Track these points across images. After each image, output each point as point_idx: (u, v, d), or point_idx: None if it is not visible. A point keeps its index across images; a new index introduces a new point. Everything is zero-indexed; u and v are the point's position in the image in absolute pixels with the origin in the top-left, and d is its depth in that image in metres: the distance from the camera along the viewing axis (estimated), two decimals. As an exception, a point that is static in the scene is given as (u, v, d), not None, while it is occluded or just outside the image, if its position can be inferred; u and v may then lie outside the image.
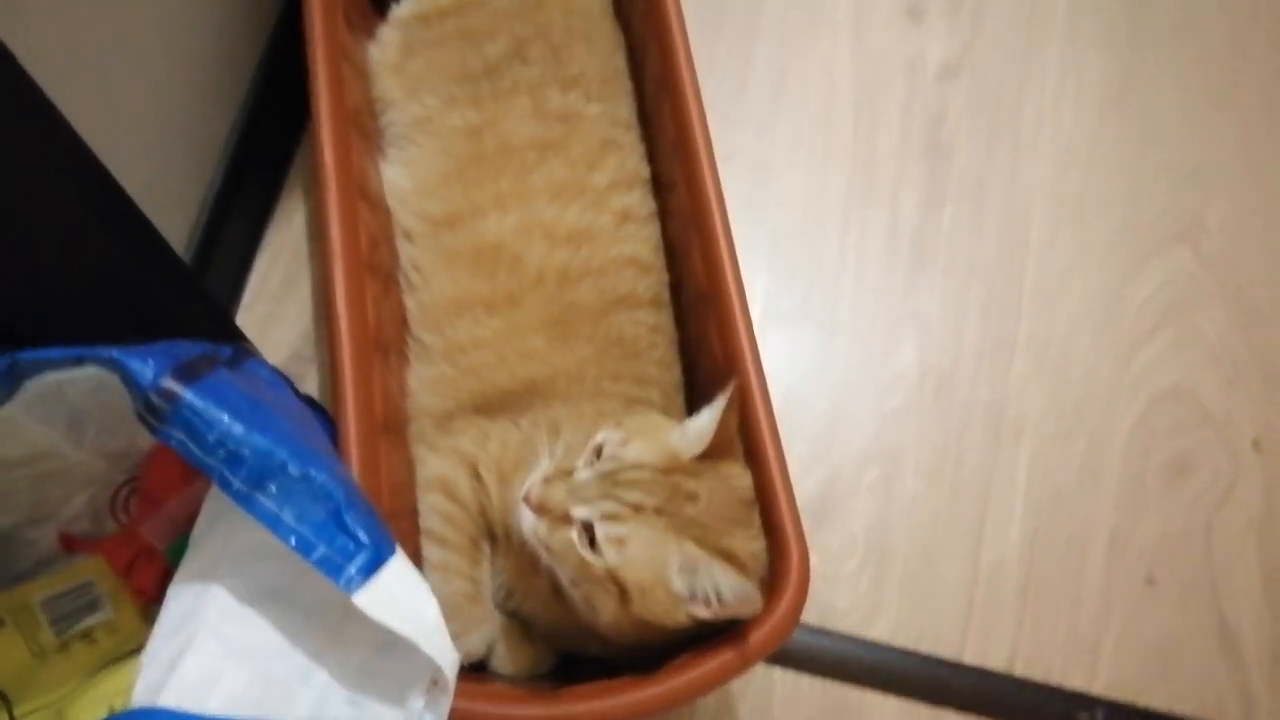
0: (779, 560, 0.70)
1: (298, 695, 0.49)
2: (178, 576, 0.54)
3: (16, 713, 0.57)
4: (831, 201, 1.10)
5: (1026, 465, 1.00)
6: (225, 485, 0.47)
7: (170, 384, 0.47)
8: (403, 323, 0.88)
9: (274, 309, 1.02)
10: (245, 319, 1.01)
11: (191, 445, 0.47)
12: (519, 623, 0.78)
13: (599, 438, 0.69)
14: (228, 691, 0.48)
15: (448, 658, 0.49)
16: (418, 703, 0.49)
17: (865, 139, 1.12)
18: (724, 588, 0.62)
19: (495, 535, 0.79)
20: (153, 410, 0.47)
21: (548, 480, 0.68)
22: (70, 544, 0.69)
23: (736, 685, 0.90)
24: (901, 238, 1.08)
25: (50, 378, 0.50)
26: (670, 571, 0.64)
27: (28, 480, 0.65)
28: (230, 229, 0.99)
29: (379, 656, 0.51)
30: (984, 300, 1.05)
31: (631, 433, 0.69)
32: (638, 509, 0.64)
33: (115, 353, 0.48)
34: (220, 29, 0.94)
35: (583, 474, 0.67)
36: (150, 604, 0.65)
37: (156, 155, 0.87)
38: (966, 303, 1.05)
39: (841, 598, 0.94)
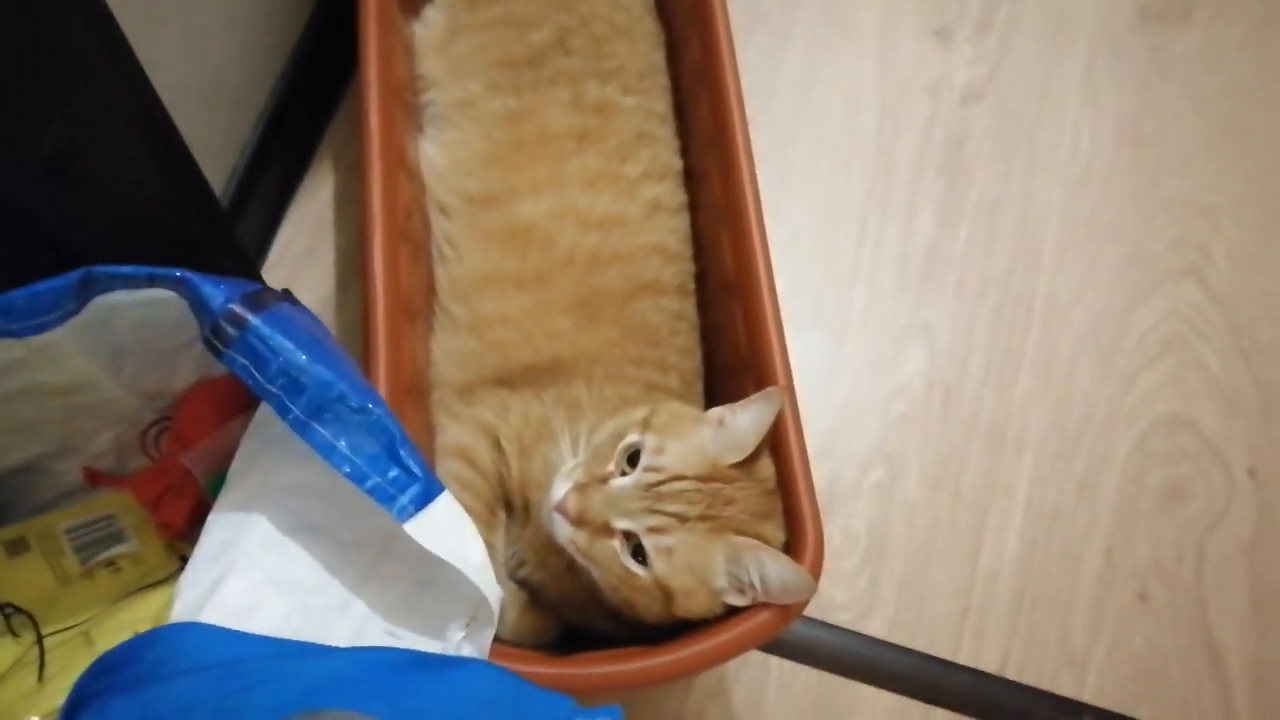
0: (795, 543, 0.71)
1: (336, 625, 0.50)
2: (217, 507, 0.55)
3: (44, 632, 0.58)
4: (850, 209, 1.12)
5: (1027, 478, 1.02)
6: (284, 412, 0.49)
7: (240, 309, 0.48)
8: (430, 292, 0.89)
9: (295, 273, 1.03)
10: (267, 279, 1.02)
11: (255, 371, 0.49)
12: (527, 591, 0.79)
13: (630, 439, 0.69)
14: (267, 618, 0.49)
15: (492, 590, 0.50)
16: (457, 635, 0.50)
17: (886, 151, 1.15)
18: (772, 575, 0.64)
19: (512, 504, 0.81)
20: (220, 335, 0.49)
21: (582, 489, 0.67)
22: (94, 479, 0.70)
23: (733, 668, 0.91)
24: (916, 250, 1.10)
25: (109, 299, 0.51)
26: (716, 570, 0.65)
27: (62, 411, 0.66)
28: (260, 191, 1.01)
29: (417, 591, 0.52)
30: (993, 317, 1.08)
31: (662, 432, 0.69)
32: (682, 519, 0.65)
33: (189, 275, 0.49)
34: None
35: (620, 482, 0.67)
36: (176, 539, 0.66)
37: (200, 109, 0.89)
38: (976, 318, 1.08)
39: (840, 593, 0.95)
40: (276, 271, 1.02)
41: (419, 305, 0.87)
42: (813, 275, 1.10)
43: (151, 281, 0.51)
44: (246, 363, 0.48)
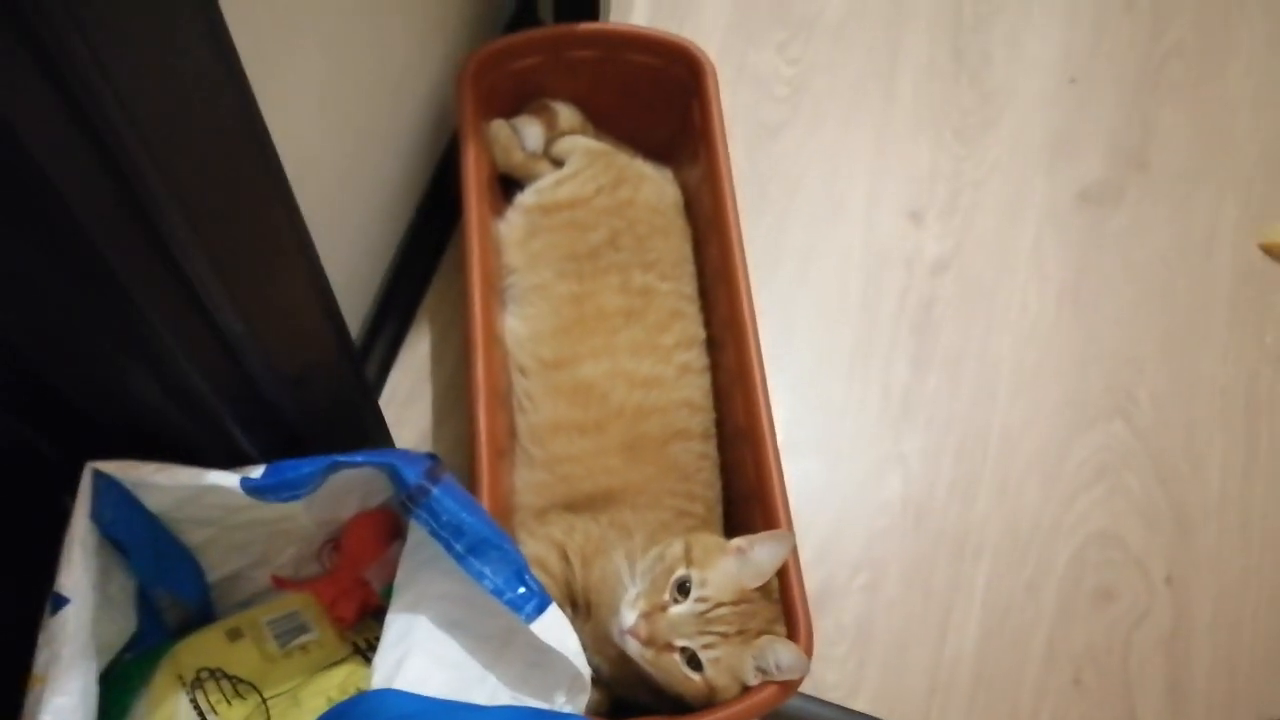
0: (792, 636, 0.96)
1: (477, 692, 0.75)
2: (391, 610, 0.81)
3: (265, 696, 0.83)
4: (841, 358, 1.39)
5: (984, 581, 1.26)
6: (449, 548, 0.75)
7: (425, 484, 0.75)
8: (511, 434, 1.16)
9: (402, 412, 1.31)
10: (379, 418, 1.29)
11: (432, 522, 0.75)
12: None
13: (680, 573, 0.92)
14: (435, 687, 0.73)
15: (585, 669, 0.76)
16: (561, 699, 0.75)
17: (870, 311, 1.42)
18: (785, 660, 0.89)
19: (576, 603, 1.06)
20: (412, 499, 0.75)
21: (648, 616, 0.90)
22: (280, 583, 0.95)
23: (747, 736, 1.15)
24: (894, 392, 1.37)
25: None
26: (748, 668, 0.91)
27: (266, 535, 0.93)
28: (375, 350, 1.29)
29: (531, 670, 0.77)
30: (957, 449, 1.33)
31: (703, 566, 0.92)
32: (725, 636, 0.90)
33: (394, 459, 0.76)
34: (380, 208, 1.25)
35: (677, 610, 0.90)
36: (347, 629, 0.91)
37: (343, 299, 1.17)
38: (943, 449, 1.33)
39: (832, 674, 1.19)
40: (388, 411, 1.28)
41: (504, 446, 1.13)
42: (811, 412, 1.36)
43: (367, 463, 0.78)
44: (428, 517, 0.75)
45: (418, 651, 0.76)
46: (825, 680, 1.19)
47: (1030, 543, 1.29)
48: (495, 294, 1.20)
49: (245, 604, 0.95)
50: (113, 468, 0.77)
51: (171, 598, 0.89)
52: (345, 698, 0.80)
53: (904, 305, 1.42)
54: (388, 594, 0.84)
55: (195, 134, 0.58)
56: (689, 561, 0.94)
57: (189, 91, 0.56)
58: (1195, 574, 1.28)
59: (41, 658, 0.72)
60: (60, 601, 0.72)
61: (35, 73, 0.47)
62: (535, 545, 1.07)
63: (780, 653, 0.91)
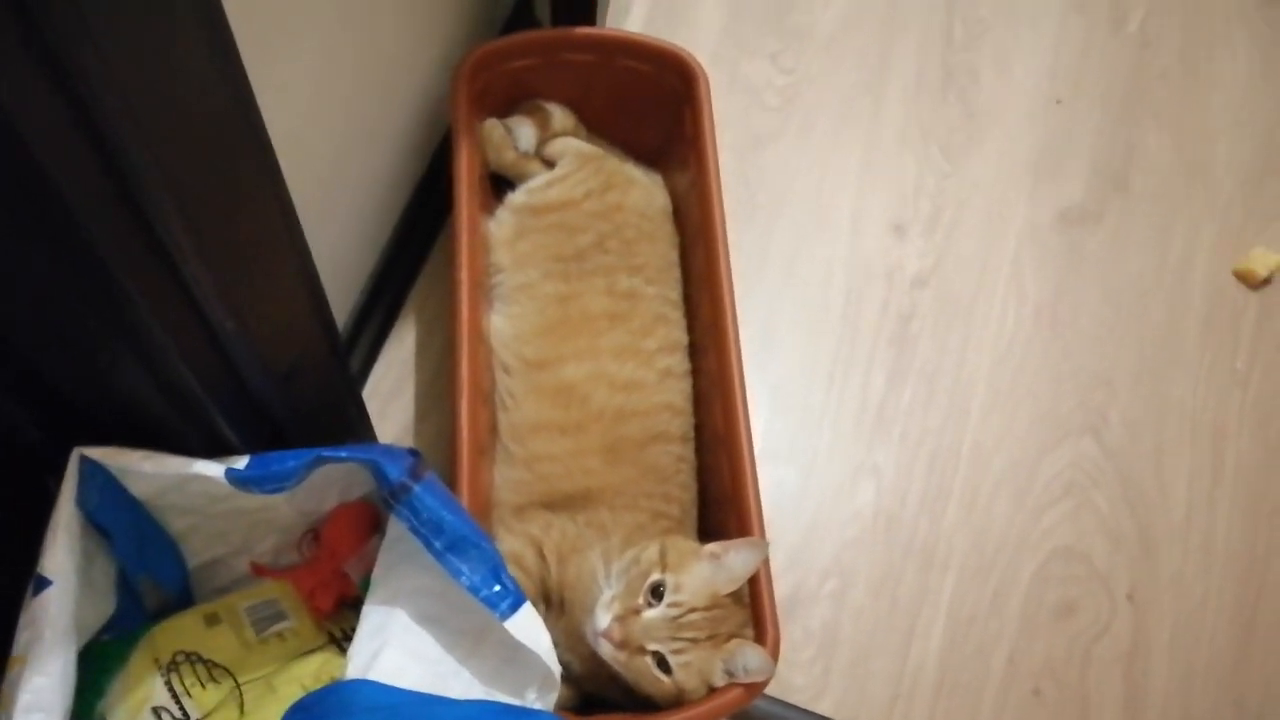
0: (760, 640, 0.98)
1: (452, 686, 0.77)
2: (368, 602, 0.82)
3: (239, 681, 0.85)
4: (819, 368, 1.41)
5: (950, 591, 1.29)
6: (429, 545, 0.76)
7: (408, 481, 0.77)
8: (493, 431, 1.17)
9: (384, 406, 1.32)
10: (360, 409, 1.30)
11: (413, 519, 0.76)
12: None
13: (654, 577, 0.93)
14: (409, 679, 0.75)
15: (556, 668, 0.77)
16: (531, 696, 0.77)
17: (850, 323, 1.44)
18: (753, 664, 0.92)
19: (550, 600, 1.07)
20: (394, 496, 0.77)
21: (621, 620, 0.92)
22: (260, 571, 0.97)
23: (713, 735, 1.17)
24: (870, 404, 1.39)
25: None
26: (717, 672, 0.93)
27: (247, 523, 0.94)
28: (360, 342, 1.30)
29: (503, 666, 0.79)
30: (929, 461, 1.36)
31: (677, 571, 0.93)
32: (696, 641, 0.92)
33: (377, 456, 0.78)
34: (371, 202, 1.26)
35: (650, 615, 0.92)
36: (324, 619, 0.93)
37: (331, 291, 1.18)
38: (916, 461, 1.36)
39: (798, 678, 1.22)
40: (370, 403, 1.29)
41: (485, 443, 1.15)
42: (788, 420, 1.38)
43: (351, 459, 0.79)
44: (409, 514, 0.76)
45: (393, 644, 0.78)
46: (791, 684, 1.22)
47: (997, 556, 1.32)
48: (482, 292, 1.21)
49: (224, 590, 0.97)
50: (99, 454, 0.78)
51: (152, 582, 0.90)
52: (320, 686, 0.82)
53: (884, 318, 1.44)
54: (365, 585, 0.85)
55: (191, 127, 0.59)
56: (664, 566, 0.95)
57: (186, 83, 0.57)
58: (1156, 593, 1.31)
59: (22, 638, 0.73)
60: (43, 584, 0.73)
61: (33, 63, 0.47)
62: (512, 541, 1.09)
63: (749, 656, 0.93)
